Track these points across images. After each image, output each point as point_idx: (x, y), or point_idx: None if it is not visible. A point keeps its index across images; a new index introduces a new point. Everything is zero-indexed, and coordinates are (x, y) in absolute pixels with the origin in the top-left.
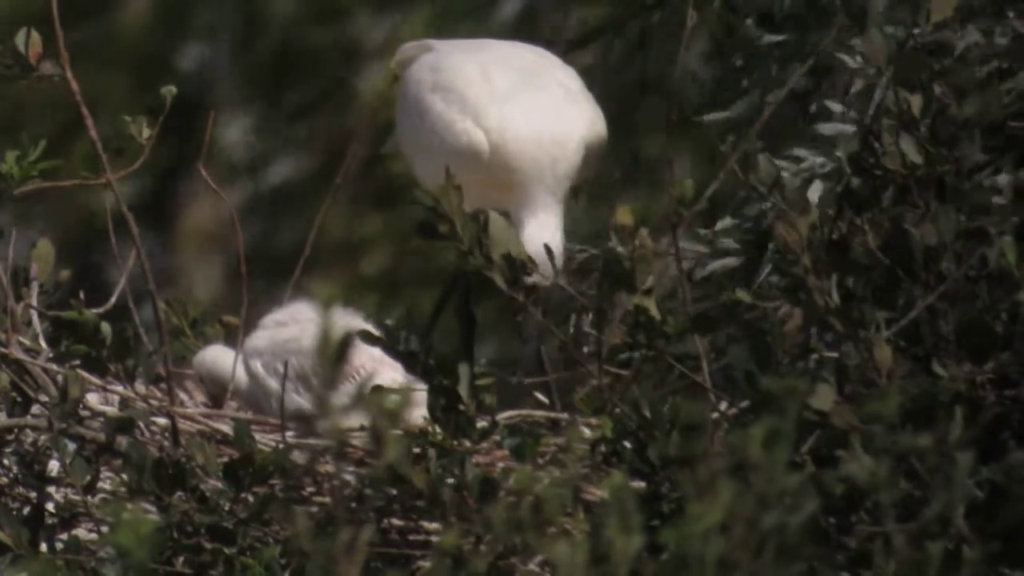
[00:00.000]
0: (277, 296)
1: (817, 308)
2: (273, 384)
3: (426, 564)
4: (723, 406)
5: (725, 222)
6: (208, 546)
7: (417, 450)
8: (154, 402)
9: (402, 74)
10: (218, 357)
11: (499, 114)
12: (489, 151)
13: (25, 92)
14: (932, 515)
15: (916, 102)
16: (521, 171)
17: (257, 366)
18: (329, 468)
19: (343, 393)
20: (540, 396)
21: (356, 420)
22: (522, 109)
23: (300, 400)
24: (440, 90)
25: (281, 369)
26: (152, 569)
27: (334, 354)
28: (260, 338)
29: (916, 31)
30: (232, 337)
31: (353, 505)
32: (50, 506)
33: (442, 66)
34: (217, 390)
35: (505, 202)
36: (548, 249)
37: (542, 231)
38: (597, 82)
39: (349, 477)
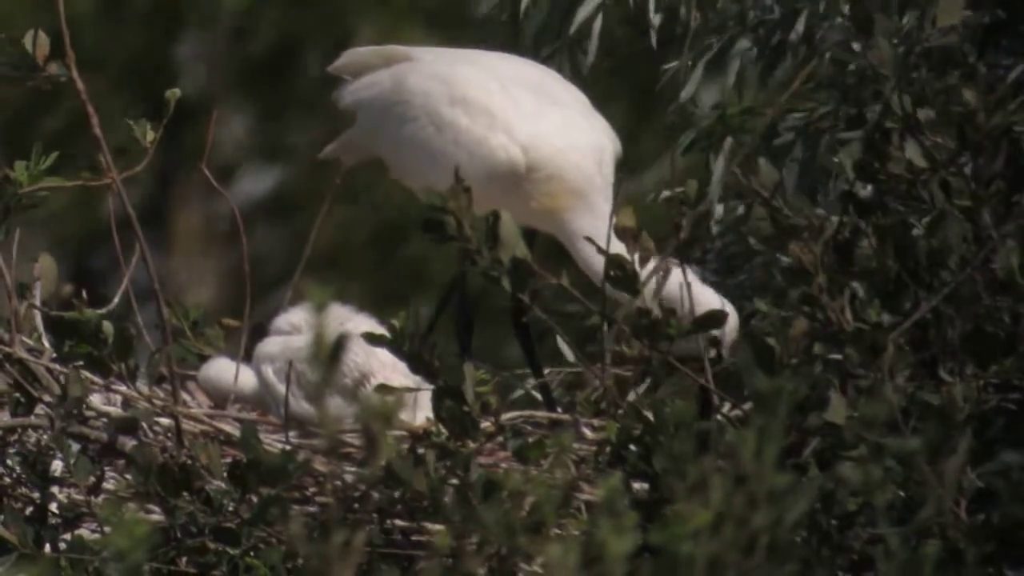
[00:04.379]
0: (271, 300)
1: (830, 326)
2: (283, 391)
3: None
4: (727, 408)
5: None
6: (212, 547)
7: (420, 451)
8: (157, 402)
9: (350, 76)
10: (222, 371)
11: (532, 129)
12: (527, 167)
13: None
14: (926, 516)
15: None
16: (568, 181)
17: (268, 372)
18: (330, 468)
19: (340, 390)
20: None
21: (353, 420)
22: (551, 123)
23: (307, 409)
24: (460, 103)
25: (293, 376)
26: (155, 570)
27: (328, 355)
28: (273, 343)
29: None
30: (232, 339)
31: (355, 506)
32: (53, 506)
33: (453, 78)
34: (222, 403)
35: (545, 220)
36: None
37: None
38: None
39: (350, 477)
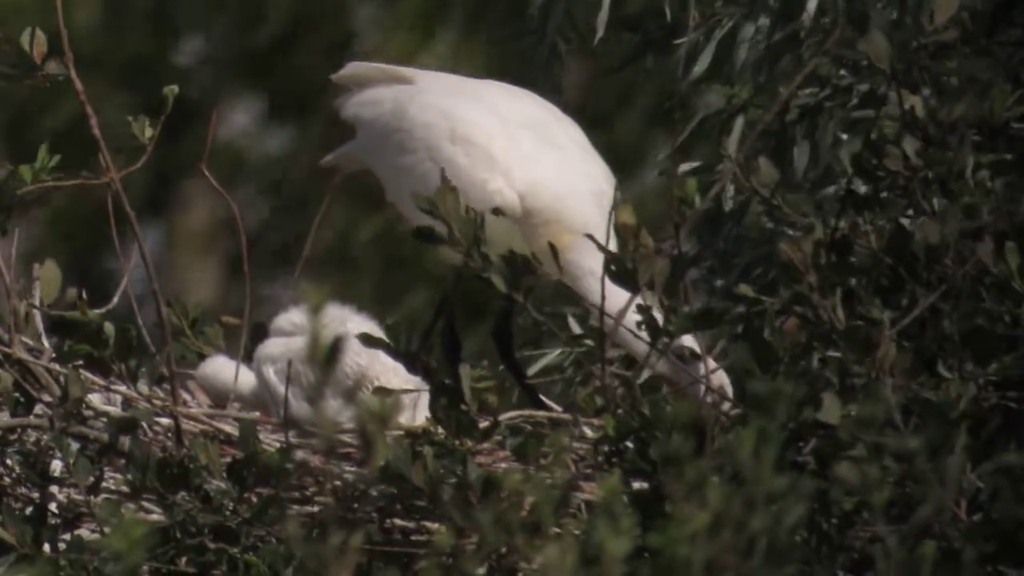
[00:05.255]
0: (271, 297)
1: (822, 326)
2: (283, 391)
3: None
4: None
5: None
6: (211, 546)
7: (418, 449)
8: (157, 402)
9: (352, 87)
10: (220, 370)
11: (531, 176)
12: (524, 212)
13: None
14: (924, 515)
15: (919, 103)
16: (567, 225)
17: (270, 372)
18: (329, 467)
19: (338, 388)
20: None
21: (351, 420)
22: (550, 168)
23: (307, 410)
24: (460, 142)
25: (293, 377)
26: (155, 569)
27: (325, 356)
28: (275, 345)
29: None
30: (231, 337)
31: (355, 505)
32: (53, 506)
33: (456, 115)
34: (220, 402)
35: (547, 259)
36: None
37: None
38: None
39: (349, 476)
